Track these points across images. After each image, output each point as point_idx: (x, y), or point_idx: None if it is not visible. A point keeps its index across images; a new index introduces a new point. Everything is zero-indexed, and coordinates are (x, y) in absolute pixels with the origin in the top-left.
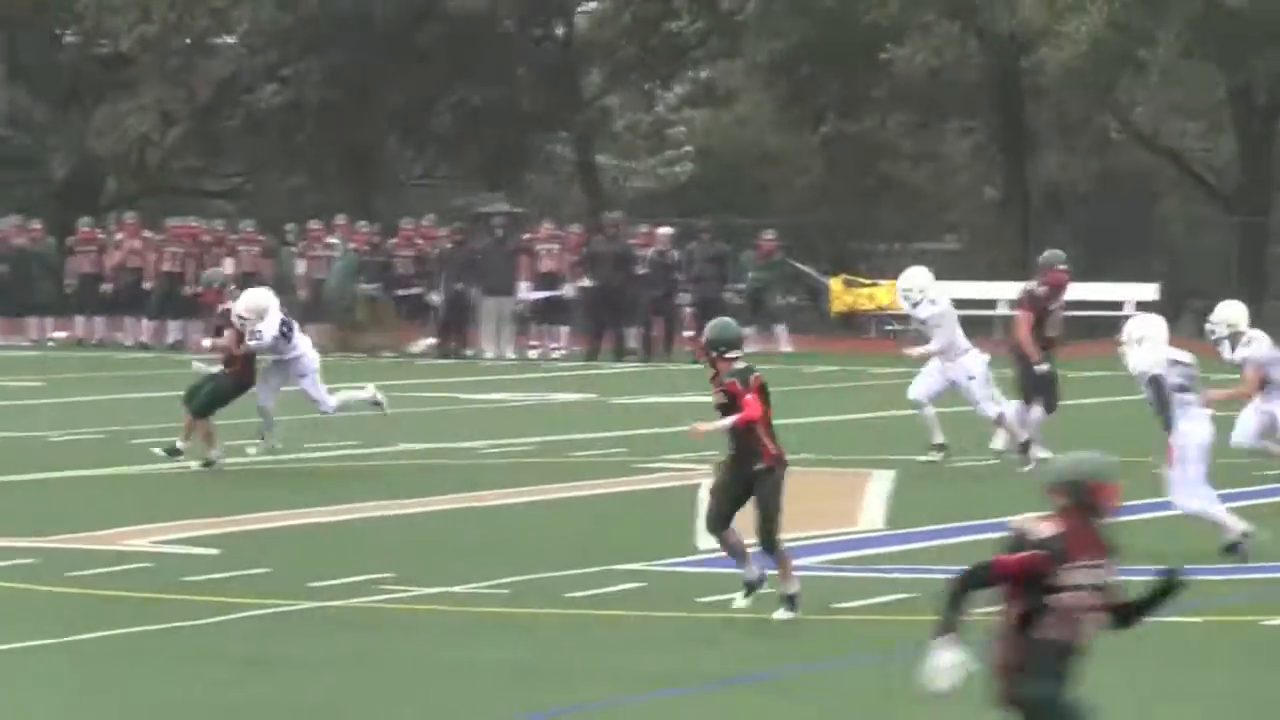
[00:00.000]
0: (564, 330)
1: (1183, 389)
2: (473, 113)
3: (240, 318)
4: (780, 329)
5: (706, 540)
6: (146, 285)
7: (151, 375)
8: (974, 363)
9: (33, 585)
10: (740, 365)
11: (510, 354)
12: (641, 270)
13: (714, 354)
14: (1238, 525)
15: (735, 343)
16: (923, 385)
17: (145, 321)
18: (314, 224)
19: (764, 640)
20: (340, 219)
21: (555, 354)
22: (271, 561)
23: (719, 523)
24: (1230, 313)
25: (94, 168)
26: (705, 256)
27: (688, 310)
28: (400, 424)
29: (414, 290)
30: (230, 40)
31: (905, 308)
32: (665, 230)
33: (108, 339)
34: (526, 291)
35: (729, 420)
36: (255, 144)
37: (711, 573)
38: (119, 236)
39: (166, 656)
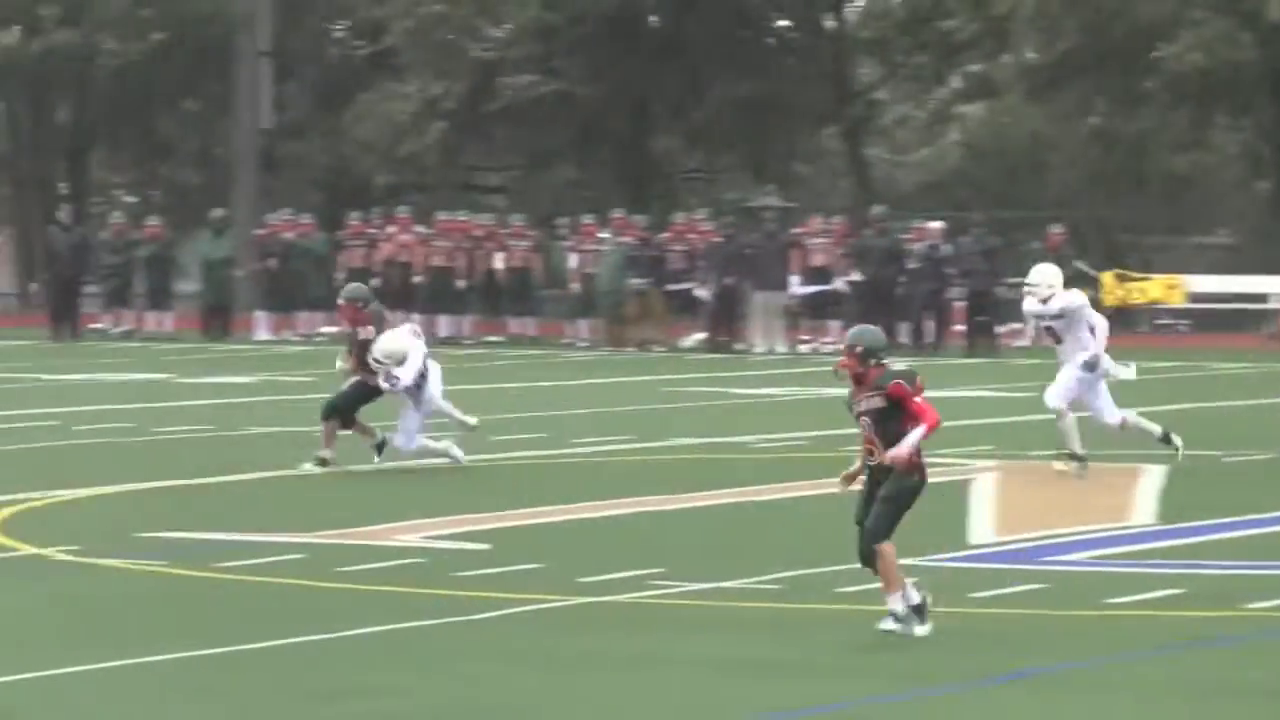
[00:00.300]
0: (834, 324)
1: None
2: (743, 106)
3: (377, 360)
4: None
5: (979, 535)
6: (416, 280)
7: None
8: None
9: (303, 581)
10: (897, 366)
11: (781, 348)
12: (912, 265)
13: (871, 362)
14: None
15: (886, 349)
16: (1061, 391)
17: (415, 316)
18: (586, 219)
19: (1034, 637)
20: (617, 213)
21: (826, 348)
22: (543, 557)
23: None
24: None
25: (362, 162)
26: (976, 250)
27: (958, 305)
28: (672, 419)
29: (685, 285)
30: (497, 33)
31: (1033, 304)
32: (935, 224)
33: None
34: (797, 286)
35: (919, 432)
36: (525, 138)
37: (982, 568)
38: (390, 230)
39: (437, 652)
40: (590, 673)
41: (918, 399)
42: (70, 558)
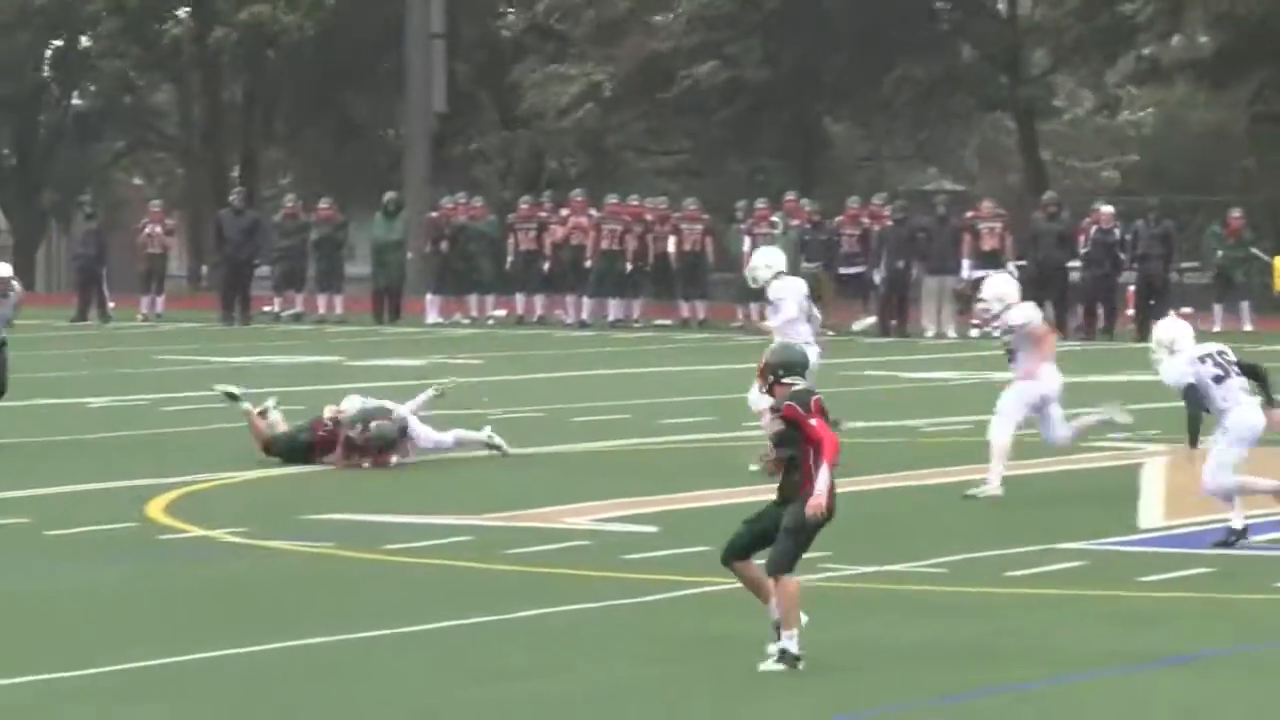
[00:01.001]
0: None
1: (1220, 379)
2: (916, 91)
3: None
4: (1245, 307)
5: (1149, 519)
6: (588, 263)
7: (589, 354)
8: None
9: (471, 563)
10: (798, 387)
11: (951, 333)
12: (1084, 249)
13: (771, 378)
14: (1241, 521)
15: (793, 368)
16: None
17: (585, 300)
18: (760, 203)
19: (1207, 620)
20: (789, 196)
21: (995, 333)
22: (711, 539)
23: (737, 554)
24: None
25: (534, 144)
26: (1151, 235)
27: (1130, 289)
28: (841, 403)
29: (857, 268)
30: (669, 17)
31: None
32: (1108, 209)
33: (548, 316)
34: (968, 270)
35: (825, 474)
36: (698, 123)
37: (1154, 552)
38: (564, 213)
39: (605, 634)
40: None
41: (813, 422)
42: (237, 540)
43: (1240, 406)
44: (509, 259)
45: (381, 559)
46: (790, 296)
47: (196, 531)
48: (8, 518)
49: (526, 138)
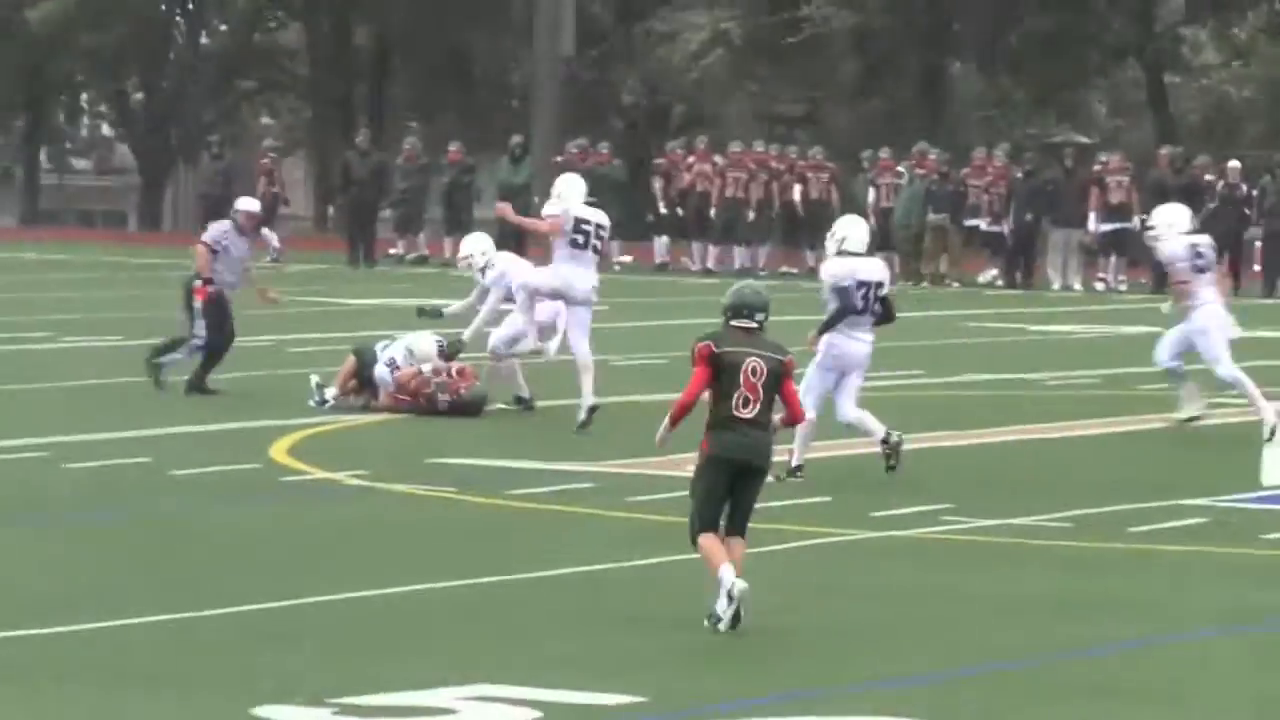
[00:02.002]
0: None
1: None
2: (1045, 41)
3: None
4: None
5: (1273, 476)
6: (713, 211)
7: (713, 301)
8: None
9: (591, 510)
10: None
11: (1077, 286)
12: (1211, 204)
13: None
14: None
15: (736, 308)
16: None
17: (710, 247)
18: (883, 153)
19: None
20: (920, 146)
21: (1122, 286)
22: (833, 491)
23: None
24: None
25: (660, 90)
26: (1277, 190)
27: (1257, 245)
28: (965, 355)
29: (983, 220)
30: None
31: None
32: (1234, 164)
33: (674, 263)
34: (1095, 223)
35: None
36: (824, 71)
37: (1276, 509)
38: (689, 160)
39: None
40: (879, 607)
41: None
42: (360, 483)
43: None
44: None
45: (503, 504)
46: None
47: (319, 474)
48: (132, 457)
49: (652, 83)
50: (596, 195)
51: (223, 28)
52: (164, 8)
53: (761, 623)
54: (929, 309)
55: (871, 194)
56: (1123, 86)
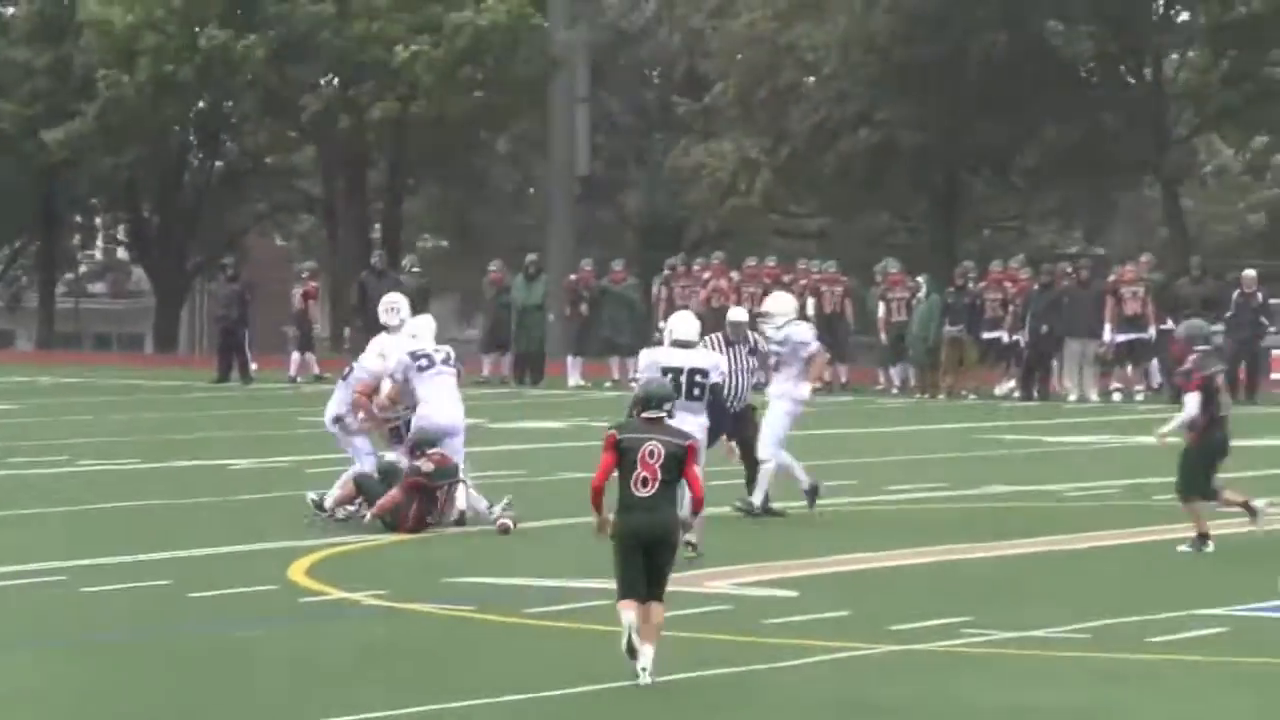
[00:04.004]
0: (1152, 370)
1: None
2: (1060, 155)
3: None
4: None
5: None
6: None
7: None
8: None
9: (611, 626)
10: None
11: (1093, 396)
12: (1228, 313)
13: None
14: None
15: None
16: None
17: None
18: (892, 267)
19: None
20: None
21: (1138, 396)
22: (852, 604)
23: None
24: None
25: (675, 209)
26: None
27: (1275, 353)
28: (984, 466)
29: (999, 332)
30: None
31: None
32: (1250, 273)
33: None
34: (1111, 334)
35: None
36: (842, 186)
37: None
38: (705, 276)
39: (744, 700)
40: (899, 718)
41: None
42: (379, 602)
43: None
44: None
45: (521, 622)
46: None
47: (338, 594)
48: (150, 580)
49: (670, 206)
50: (612, 314)
51: (235, 149)
52: (178, 129)
53: None
54: (947, 422)
55: (882, 308)
56: (1137, 201)
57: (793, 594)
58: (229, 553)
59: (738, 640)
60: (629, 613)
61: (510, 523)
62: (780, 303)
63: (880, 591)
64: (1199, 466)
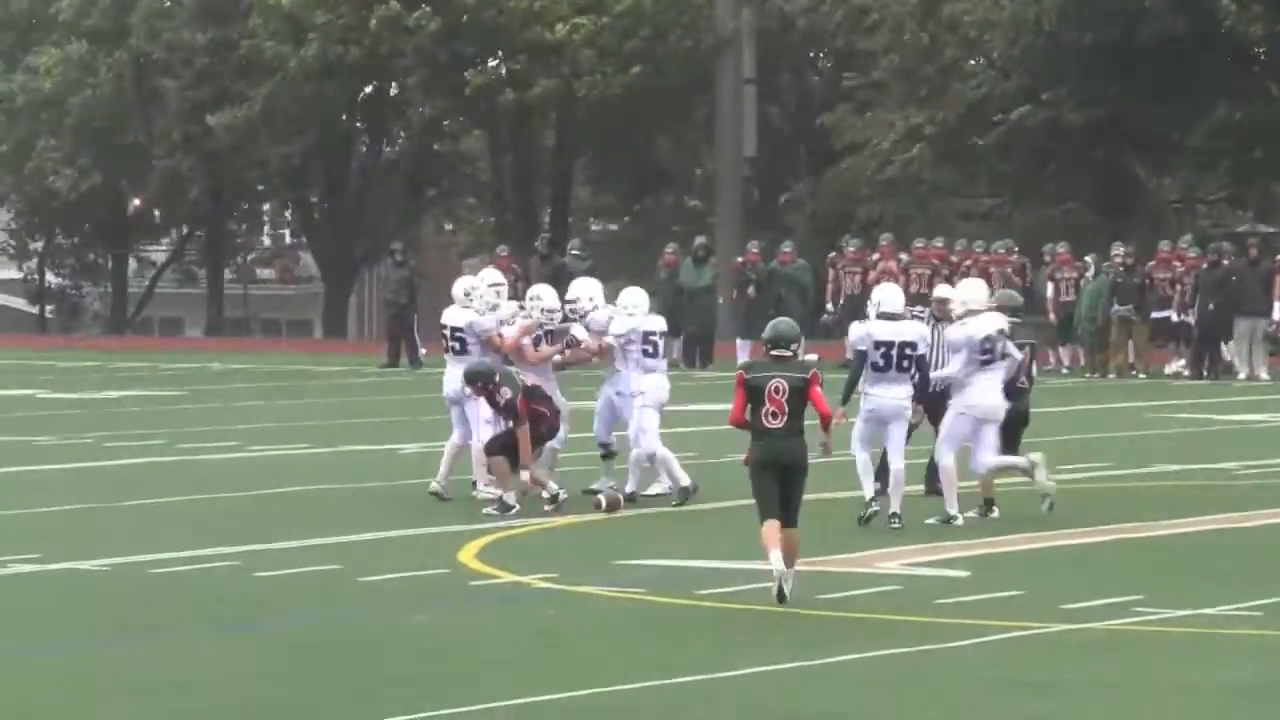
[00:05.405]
0: None
1: None
2: (1229, 133)
3: None
4: None
5: None
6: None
7: None
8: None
9: (781, 608)
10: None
11: (1263, 375)
12: None
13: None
14: None
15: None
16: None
17: None
18: (1060, 247)
19: None
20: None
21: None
22: (1024, 584)
23: None
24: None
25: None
26: None
27: None
28: (1153, 446)
29: (1168, 312)
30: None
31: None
32: None
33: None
34: (1279, 312)
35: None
36: (1010, 166)
37: None
38: (874, 257)
39: (916, 679)
40: (1072, 698)
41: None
42: (549, 585)
43: None
44: (829, 304)
45: (694, 604)
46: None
47: (508, 577)
48: (320, 564)
49: (837, 182)
50: (782, 295)
51: (402, 135)
52: (345, 117)
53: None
54: (1116, 401)
55: (1050, 288)
56: None
57: (964, 574)
58: (399, 536)
59: (910, 620)
60: (775, 550)
61: (604, 500)
62: (973, 290)
63: (1052, 571)
64: None
